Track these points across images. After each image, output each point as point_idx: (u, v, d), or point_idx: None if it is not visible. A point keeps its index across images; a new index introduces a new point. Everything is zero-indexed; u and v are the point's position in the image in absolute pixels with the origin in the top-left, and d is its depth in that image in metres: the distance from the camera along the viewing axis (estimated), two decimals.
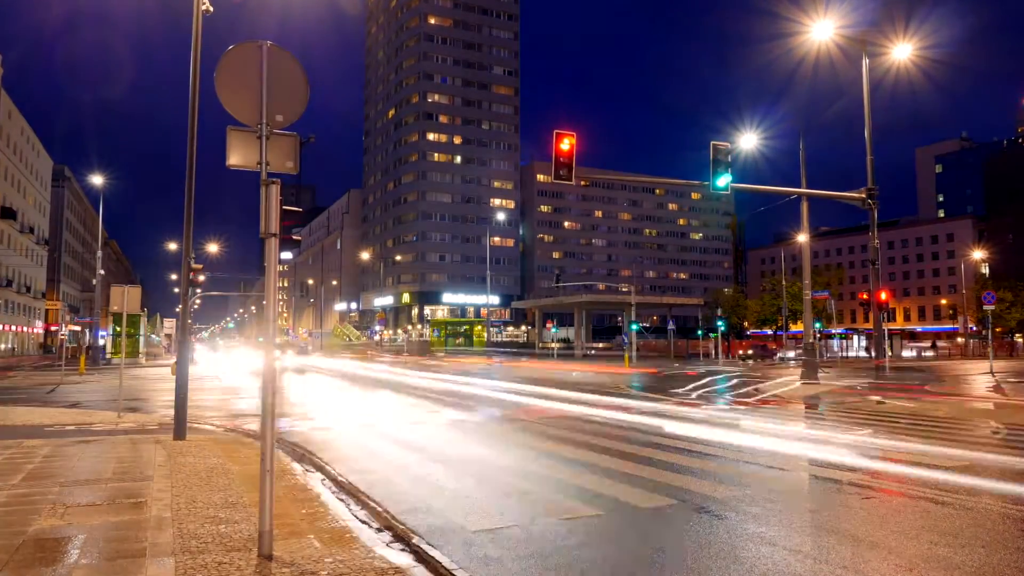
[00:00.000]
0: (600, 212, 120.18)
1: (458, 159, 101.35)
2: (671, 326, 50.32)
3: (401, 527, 6.06)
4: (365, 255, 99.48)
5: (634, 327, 44.34)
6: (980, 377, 28.30)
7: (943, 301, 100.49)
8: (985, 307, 27.29)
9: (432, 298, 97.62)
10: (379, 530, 5.91)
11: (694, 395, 20.29)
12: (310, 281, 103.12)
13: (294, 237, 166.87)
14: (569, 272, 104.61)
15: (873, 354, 19.30)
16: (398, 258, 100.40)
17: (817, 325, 44.85)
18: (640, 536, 6.01)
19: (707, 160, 15.97)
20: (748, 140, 24.83)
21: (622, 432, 12.28)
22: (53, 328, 75.14)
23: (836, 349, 57.36)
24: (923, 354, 59.58)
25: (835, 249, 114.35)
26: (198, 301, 60.58)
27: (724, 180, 16.00)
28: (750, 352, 51.17)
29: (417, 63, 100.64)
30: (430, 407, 16.61)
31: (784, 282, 58.47)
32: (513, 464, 9.23)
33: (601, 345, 67.70)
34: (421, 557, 5.23)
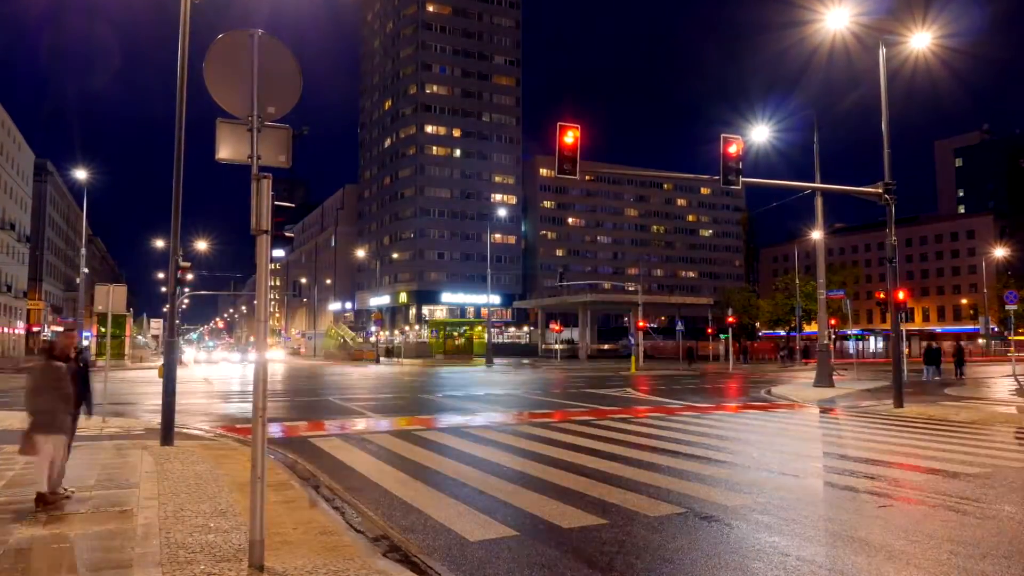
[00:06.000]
0: (606, 208, 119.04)
1: (457, 153, 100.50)
2: (679, 327, 49.76)
3: (398, 537, 5.91)
4: (361, 253, 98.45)
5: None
6: (1003, 380, 28.04)
7: (963, 301, 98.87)
8: (1007, 307, 26.76)
9: (430, 298, 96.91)
10: (375, 540, 5.78)
11: (698, 397, 20.02)
12: (303, 280, 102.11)
13: (286, 234, 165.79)
14: (573, 270, 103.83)
15: (890, 355, 18.87)
16: (395, 256, 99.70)
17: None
18: (649, 546, 5.80)
19: (717, 154, 15.61)
20: (760, 133, 24.43)
21: (627, 438, 12.13)
22: (35, 329, 74.48)
23: (851, 350, 56.67)
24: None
25: (851, 247, 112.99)
26: (186, 301, 60.15)
27: (735, 175, 15.57)
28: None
29: (415, 53, 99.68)
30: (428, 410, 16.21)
31: (798, 281, 57.77)
32: (516, 470, 9.02)
33: (607, 346, 67.10)
34: (419, 569, 5.13)
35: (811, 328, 65.90)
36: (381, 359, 54.34)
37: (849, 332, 53.99)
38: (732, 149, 15.52)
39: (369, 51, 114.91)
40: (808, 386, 23.18)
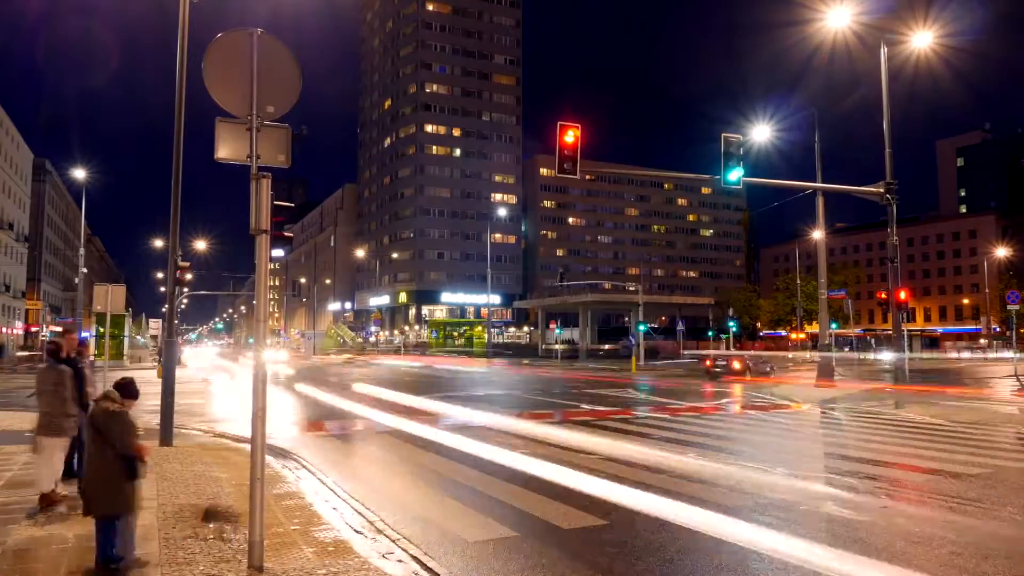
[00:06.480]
0: (606, 208, 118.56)
1: (457, 152, 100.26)
2: (680, 327, 49.66)
3: (398, 537, 5.88)
4: (360, 252, 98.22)
5: (642, 327, 43.70)
6: (1004, 380, 27.94)
7: (965, 301, 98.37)
8: (1009, 307, 26.74)
9: (430, 297, 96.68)
10: (374, 540, 5.77)
11: (699, 397, 20.00)
12: (302, 280, 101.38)
13: (286, 234, 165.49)
14: (574, 270, 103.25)
15: (893, 355, 18.76)
16: (395, 256, 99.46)
17: (834, 326, 44.03)
18: (649, 547, 5.76)
19: (718, 153, 15.59)
20: (761, 133, 24.34)
21: (626, 439, 12.18)
22: (34, 329, 74.17)
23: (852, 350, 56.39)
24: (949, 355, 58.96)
25: (852, 246, 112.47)
26: (185, 301, 59.98)
27: (736, 174, 15.59)
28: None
29: (414, 52, 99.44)
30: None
31: (799, 281, 57.64)
32: (516, 471, 9.00)
33: (607, 347, 66.93)
34: (419, 569, 5.11)
35: (812, 328, 65.79)
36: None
37: (850, 332, 53.79)
38: (732, 149, 15.49)
39: (369, 50, 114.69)
40: (809, 387, 23.14)
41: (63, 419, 6.58)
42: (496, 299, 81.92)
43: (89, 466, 4.94)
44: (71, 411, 6.66)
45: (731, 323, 46.33)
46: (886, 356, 41.00)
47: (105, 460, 4.79)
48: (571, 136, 14.57)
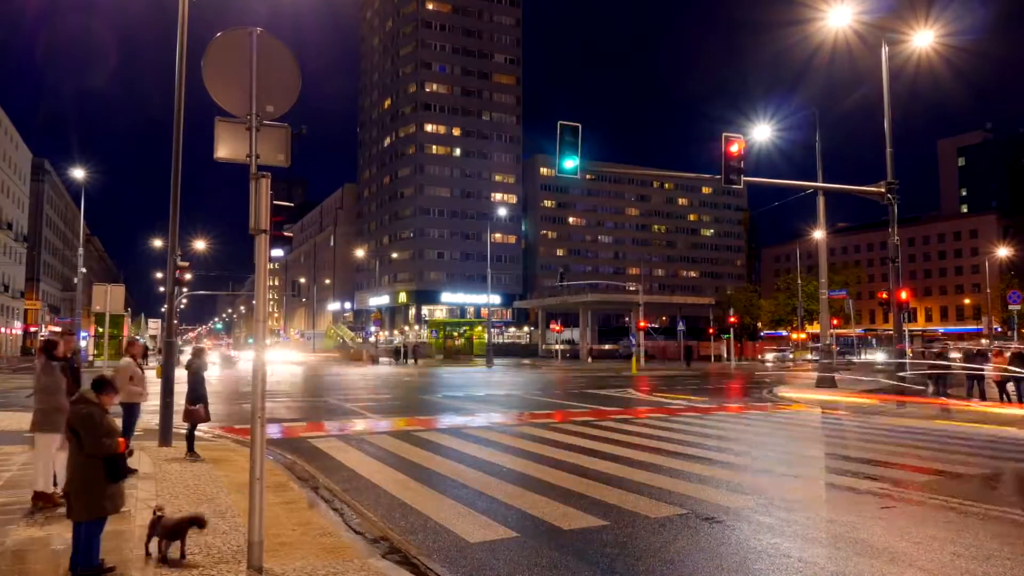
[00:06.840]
0: (606, 207, 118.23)
1: (457, 152, 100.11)
2: (681, 327, 49.61)
3: (398, 538, 5.87)
4: (360, 252, 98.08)
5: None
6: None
7: (966, 301, 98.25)
8: (1010, 307, 26.70)
9: (430, 297, 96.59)
10: (375, 541, 5.76)
11: (700, 398, 19.98)
12: (302, 279, 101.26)
13: (285, 234, 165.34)
14: (574, 270, 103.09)
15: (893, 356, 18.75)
16: (394, 255, 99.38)
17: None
18: (650, 547, 5.75)
19: (719, 153, 15.54)
20: (762, 132, 24.32)
21: (628, 439, 12.13)
22: (33, 329, 74.10)
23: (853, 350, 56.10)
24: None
25: (853, 246, 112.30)
26: (184, 301, 59.87)
27: (736, 174, 15.50)
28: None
29: (414, 51, 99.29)
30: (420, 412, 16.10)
31: (800, 281, 57.43)
32: (517, 471, 8.98)
33: (608, 347, 66.78)
34: (419, 570, 5.11)
35: (813, 328, 65.60)
36: (382, 359, 54.19)
37: (850, 332, 53.57)
38: (734, 148, 15.45)
39: (368, 49, 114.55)
40: (810, 387, 23.11)
41: (57, 414, 6.57)
42: (496, 299, 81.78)
43: (69, 468, 4.86)
44: (65, 406, 6.65)
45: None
46: (880, 356, 41.19)
47: (84, 461, 4.68)
48: (572, 135, 14.53)
